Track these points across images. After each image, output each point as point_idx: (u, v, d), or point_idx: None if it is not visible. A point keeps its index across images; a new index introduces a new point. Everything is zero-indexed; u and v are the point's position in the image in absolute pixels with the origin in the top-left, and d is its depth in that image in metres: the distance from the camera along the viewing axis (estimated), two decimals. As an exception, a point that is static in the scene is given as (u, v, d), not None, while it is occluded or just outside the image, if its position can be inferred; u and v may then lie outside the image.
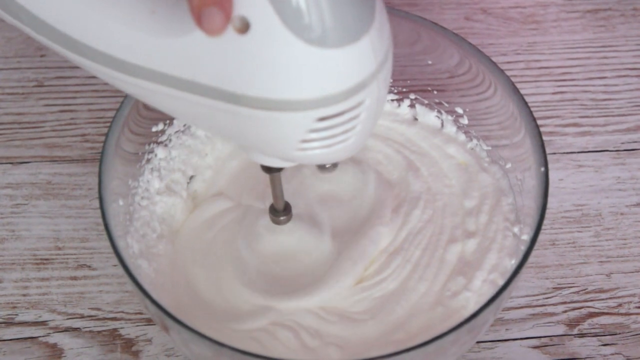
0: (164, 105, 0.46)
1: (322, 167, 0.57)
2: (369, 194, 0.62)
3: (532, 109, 0.57)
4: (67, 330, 0.61)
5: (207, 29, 0.38)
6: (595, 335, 0.61)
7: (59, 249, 0.65)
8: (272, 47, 0.39)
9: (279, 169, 0.51)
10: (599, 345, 0.60)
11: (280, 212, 0.56)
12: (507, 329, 0.61)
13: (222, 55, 0.40)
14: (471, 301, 0.57)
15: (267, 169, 0.50)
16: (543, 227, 0.52)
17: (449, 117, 0.66)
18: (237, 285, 0.58)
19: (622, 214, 0.67)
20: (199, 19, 0.38)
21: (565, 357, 0.60)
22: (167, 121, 0.63)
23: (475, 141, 0.65)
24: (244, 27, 0.39)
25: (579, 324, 0.61)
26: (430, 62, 0.64)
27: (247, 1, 0.38)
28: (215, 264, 0.59)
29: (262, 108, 0.41)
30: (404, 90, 0.67)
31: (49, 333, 0.61)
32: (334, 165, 0.57)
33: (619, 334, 0.61)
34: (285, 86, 0.41)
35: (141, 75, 0.43)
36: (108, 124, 0.56)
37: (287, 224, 0.56)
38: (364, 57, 0.41)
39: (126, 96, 0.57)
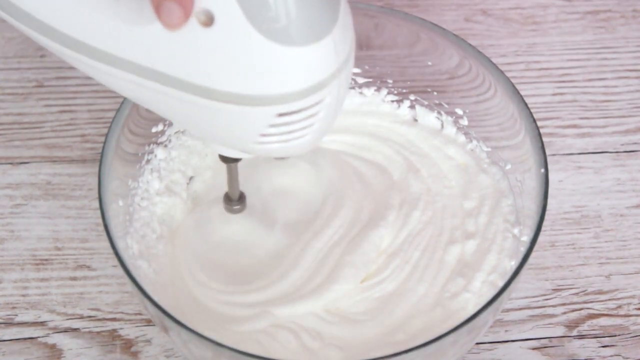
0: (131, 94, 0.46)
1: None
2: (322, 187, 0.62)
3: (532, 110, 0.57)
4: (66, 330, 0.61)
5: (166, 23, 0.39)
6: (595, 336, 0.61)
7: (59, 249, 0.65)
8: (235, 42, 0.40)
9: (236, 160, 0.51)
10: (599, 347, 0.60)
11: (235, 201, 0.56)
12: (506, 330, 0.61)
13: (185, 46, 0.41)
14: (471, 302, 0.57)
15: (225, 159, 0.51)
16: (543, 228, 0.52)
17: (449, 118, 0.66)
18: (203, 278, 0.58)
19: (621, 215, 0.67)
20: (159, 12, 0.39)
21: (565, 358, 0.60)
22: (167, 122, 0.63)
23: (475, 142, 0.65)
24: (209, 20, 0.39)
25: (578, 326, 0.61)
26: (430, 64, 0.64)
27: None
28: (212, 258, 0.59)
29: (222, 101, 0.42)
30: (404, 91, 0.67)
31: (49, 333, 0.61)
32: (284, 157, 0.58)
33: (619, 335, 0.61)
34: (246, 81, 0.41)
35: (105, 60, 0.44)
36: (108, 125, 0.56)
37: (239, 213, 0.57)
38: (326, 56, 0.41)
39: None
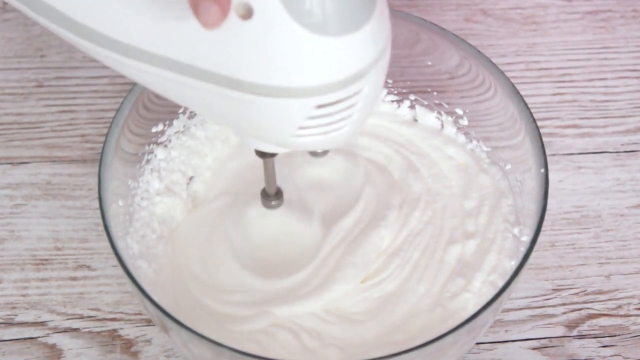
0: (162, 89, 0.46)
1: (313, 152, 0.58)
2: (358, 180, 0.63)
3: (532, 110, 0.57)
4: (66, 330, 0.61)
5: (203, 22, 0.39)
6: (595, 336, 0.61)
7: (59, 249, 0.65)
8: (274, 34, 0.40)
9: (273, 154, 0.51)
10: (599, 347, 0.60)
11: (272, 196, 0.56)
12: (506, 331, 0.61)
13: (224, 40, 0.41)
14: (471, 302, 0.57)
15: (262, 154, 0.51)
16: (543, 228, 0.52)
17: (449, 118, 0.66)
18: (235, 270, 0.58)
19: (621, 215, 0.67)
20: (197, 12, 0.38)
21: (565, 358, 0.60)
22: (167, 122, 0.63)
23: (475, 142, 0.65)
24: (247, 13, 0.39)
25: (578, 326, 0.61)
26: (430, 64, 0.64)
27: None
28: (213, 258, 0.59)
29: (261, 94, 0.42)
30: (404, 91, 0.67)
31: (49, 333, 0.61)
32: (325, 150, 0.58)
33: (619, 335, 0.61)
34: (285, 73, 0.41)
35: (141, 57, 0.43)
36: (108, 125, 0.56)
37: (277, 208, 0.57)
38: (364, 46, 0.41)
39: (126, 97, 0.57)
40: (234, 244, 0.59)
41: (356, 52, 0.41)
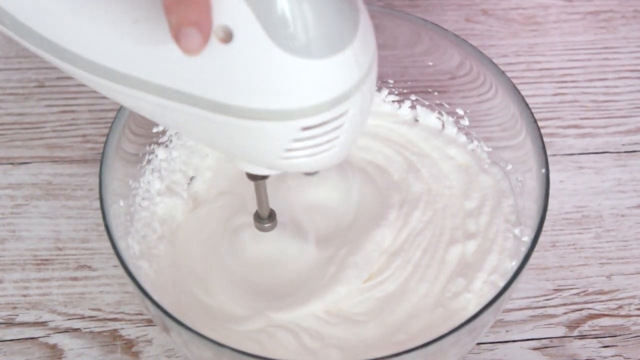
0: (149, 113, 0.46)
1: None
2: (353, 200, 0.62)
3: (532, 110, 0.57)
4: (67, 330, 0.61)
5: (185, 49, 0.38)
6: (596, 337, 0.61)
7: (60, 249, 0.65)
8: (255, 57, 0.39)
9: (264, 177, 0.51)
10: (599, 347, 0.60)
11: (265, 219, 0.55)
12: (507, 331, 0.61)
13: (206, 64, 0.40)
14: (472, 302, 0.57)
15: (252, 177, 0.51)
16: (544, 228, 0.52)
17: (450, 119, 0.66)
18: (227, 292, 0.58)
19: (622, 215, 0.67)
20: (177, 38, 0.38)
21: (566, 358, 0.60)
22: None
23: (476, 142, 0.65)
24: (227, 36, 0.39)
25: (579, 326, 0.61)
26: (431, 64, 0.64)
27: (230, 11, 0.38)
28: (211, 263, 0.59)
29: (246, 117, 0.41)
30: (405, 91, 0.67)
31: (49, 334, 0.61)
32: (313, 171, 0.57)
33: (619, 335, 0.61)
34: (268, 96, 0.41)
35: (126, 82, 0.43)
36: (109, 125, 0.56)
37: (271, 231, 0.56)
38: (347, 68, 0.41)
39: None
40: (229, 268, 0.59)
41: (339, 74, 0.41)
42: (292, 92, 0.41)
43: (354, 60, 0.41)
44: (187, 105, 0.42)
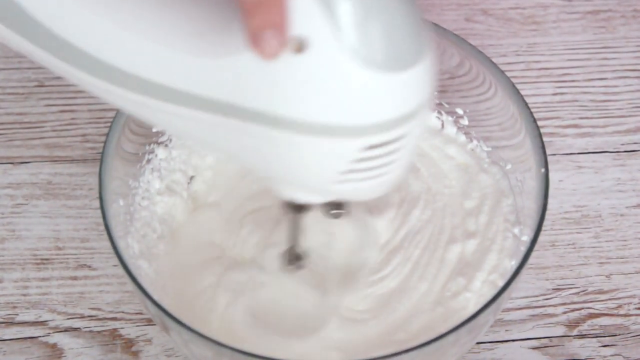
0: (193, 133, 0.44)
1: (327, 212, 0.51)
2: (374, 248, 0.60)
3: (532, 110, 0.57)
4: (67, 330, 0.61)
5: (264, 53, 0.37)
6: (595, 336, 0.61)
7: (59, 249, 0.65)
8: (327, 69, 0.38)
9: (305, 208, 0.49)
10: (599, 347, 0.60)
11: (297, 256, 0.53)
12: (507, 330, 0.61)
13: (273, 75, 0.39)
14: (471, 302, 0.57)
15: (295, 208, 0.49)
16: (543, 228, 0.52)
17: (449, 118, 0.66)
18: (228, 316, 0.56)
19: (622, 215, 0.67)
20: (256, 41, 0.37)
21: (565, 358, 0.60)
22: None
23: (475, 142, 0.65)
24: (300, 46, 0.38)
25: (578, 325, 0.61)
26: (430, 63, 0.64)
27: (304, 21, 0.37)
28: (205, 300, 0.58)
29: (311, 133, 0.40)
30: (405, 91, 0.67)
31: (49, 333, 0.61)
32: (340, 212, 0.52)
33: (619, 335, 0.61)
34: (338, 110, 0.39)
35: (173, 99, 0.42)
36: (109, 124, 0.56)
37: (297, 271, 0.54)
38: (419, 83, 0.40)
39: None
40: (246, 305, 0.57)
41: (410, 90, 0.40)
42: (362, 107, 0.39)
43: (423, 77, 0.40)
44: (242, 121, 0.41)
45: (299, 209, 0.49)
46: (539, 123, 0.57)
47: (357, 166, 0.41)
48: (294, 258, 0.54)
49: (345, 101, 0.39)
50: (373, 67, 0.38)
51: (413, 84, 0.40)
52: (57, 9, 0.41)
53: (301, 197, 0.46)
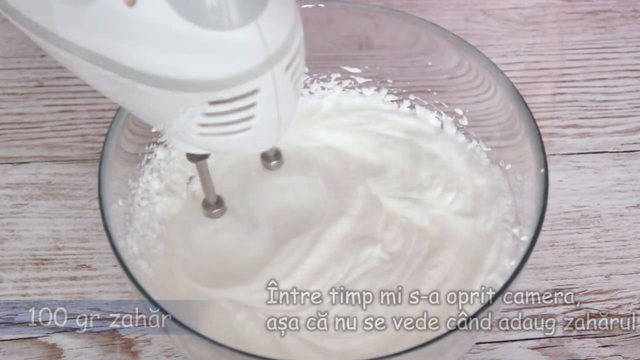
0: (84, 77, 0.46)
1: (266, 164, 0.58)
2: (314, 197, 0.61)
3: (531, 110, 0.57)
4: (66, 330, 0.61)
5: None
6: (595, 336, 0.61)
7: (59, 249, 0.65)
8: (154, 23, 0.39)
9: (203, 157, 0.51)
10: (598, 347, 0.60)
11: (213, 205, 0.56)
12: (506, 330, 0.61)
13: (114, 26, 0.40)
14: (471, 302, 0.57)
15: (191, 157, 0.51)
16: (542, 228, 0.52)
17: (449, 118, 0.66)
18: (188, 282, 0.57)
19: (621, 215, 0.67)
20: None
21: (565, 358, 0.60)
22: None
23: (475, 142, 0.65)
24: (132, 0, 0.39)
25: (578, 325, 0.61)
26: (430, 64, 0.64)
27: None
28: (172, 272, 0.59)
29: (155, 85, 0.41)
30: (404, 91, 0.67)
31: (48, 333, 0.61)
32: (278, 162, 0.58)
33: (619, 335, 0.61)
34: (173, 65, 0.40)
35: (57, 42, 0.43)
36: (108, 124, 0.56)
37: (220, 217, 0.57)
38: (250, 44, 0.40)
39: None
40: (185, 259, 0.58)
41: (241, 50, 0.40)
42: (196, 64, 0.40)
43: (258, 37, 0.40)
44: (104, 69, 0.42)
45: (198, 157, 0.51)
46: (539, 123, 0.57)
47: (210, 120, 0.43)
48: (209, 206, 0.56)
49: (178, 56, 0.40)
50: (198, 24, 0.39)
51: (243, 43, 0.40)
52: None
53: (186, 148, 0.48)
